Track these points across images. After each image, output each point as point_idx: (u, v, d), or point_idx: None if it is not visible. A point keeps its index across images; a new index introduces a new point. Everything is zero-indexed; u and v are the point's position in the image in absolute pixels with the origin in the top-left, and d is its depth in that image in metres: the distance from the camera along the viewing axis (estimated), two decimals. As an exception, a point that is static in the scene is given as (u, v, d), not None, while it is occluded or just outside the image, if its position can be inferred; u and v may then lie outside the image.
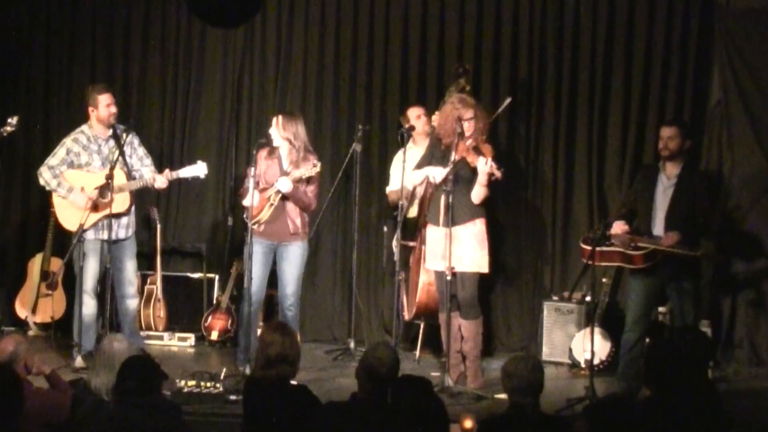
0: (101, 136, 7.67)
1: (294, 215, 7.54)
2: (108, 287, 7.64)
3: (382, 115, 8.89)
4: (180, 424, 5.06)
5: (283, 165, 7.55)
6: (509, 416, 4.82)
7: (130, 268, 7.76)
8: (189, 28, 9.21)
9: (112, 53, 9.29)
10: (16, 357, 5.60)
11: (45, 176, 7.65)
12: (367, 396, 4.98)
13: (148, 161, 7.75)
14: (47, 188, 7.71)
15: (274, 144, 7.56)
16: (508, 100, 7.67)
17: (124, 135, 7.64)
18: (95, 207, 7.48)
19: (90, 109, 7.69)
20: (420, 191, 7.76)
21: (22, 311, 8.85)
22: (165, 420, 4.90)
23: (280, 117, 7.60)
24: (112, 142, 7.62)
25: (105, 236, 7.52)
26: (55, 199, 7.72)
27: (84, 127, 7.71)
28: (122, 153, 7.56)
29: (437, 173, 7.15)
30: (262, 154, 7.56)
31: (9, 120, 7.64)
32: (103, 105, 7.61)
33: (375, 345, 5.36)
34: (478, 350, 7.32)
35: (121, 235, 7.65)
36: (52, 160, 7.66)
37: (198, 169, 7.57)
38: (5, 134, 7.66)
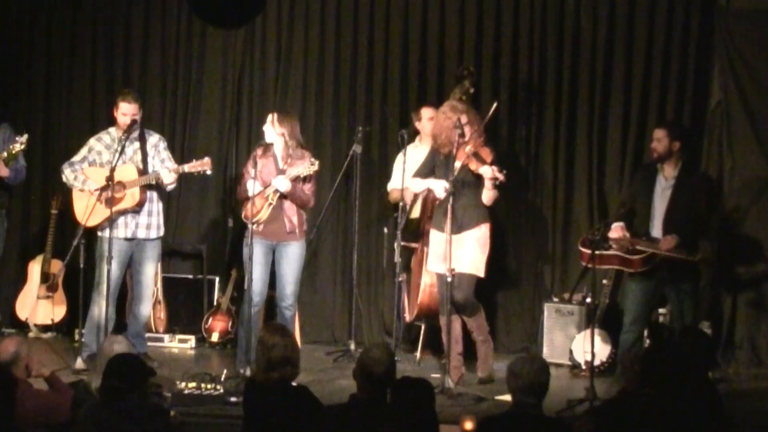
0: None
1: (291, 213, 7.53)
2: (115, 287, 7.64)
3: (382, 115, 8.88)
4: (169, 428, 5.06)
5: (278, 163, 7.55)
6: (511, 415, 4.82)
7: (149, 272, 7.77)
8: (189, 28, 9.21)
9: (112, 54, 9.29)
10: (17, 358, 5.60)
11: (65, 172, 7.71)
12: (365, 397, 4.98)
13: (171, 165, 7.70)
14: (68, 184, 7.75)
15: (267, 141, 7.55)
16: (494, 105, 7.58)
17: (151, 138, 7.70)
18: (107, 201, 7.45)
19: (114, 110, 7.72)
20: (423, 192, 7.76)
21: (22, 313, 8.85)
22: (153, 423, 4.89)
23: (275, 114, 7.60)
24: (137, 144, 7.64)
25: (123, 234, 7.55)
26: (75, 194, 7.72)
27: (111, 129, 7.75)
28: (144, 154, 7.61)
29: (438, 187, 7.16)
30: (258, 153, 7.55)
31: (18, 138, 7.65)
32: (120, 113, 7.64)
33: (370, 346, 5.40)
34: (485, 335, 7.38)
35: (141, 234, 7.65)
36: (74, 158, 7.74)
37: (203, 164, 7.55)
38: (14, 152, 7.66)
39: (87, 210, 7.43)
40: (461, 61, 8.53)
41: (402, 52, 8.85)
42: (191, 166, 7.57)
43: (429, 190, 7.42)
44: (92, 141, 7.76)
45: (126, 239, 7.61)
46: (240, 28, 9.07)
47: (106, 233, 7.49)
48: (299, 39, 9.03)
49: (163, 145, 7.78)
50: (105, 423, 4.83)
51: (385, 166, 8.68)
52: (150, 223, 7.69)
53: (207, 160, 7.56)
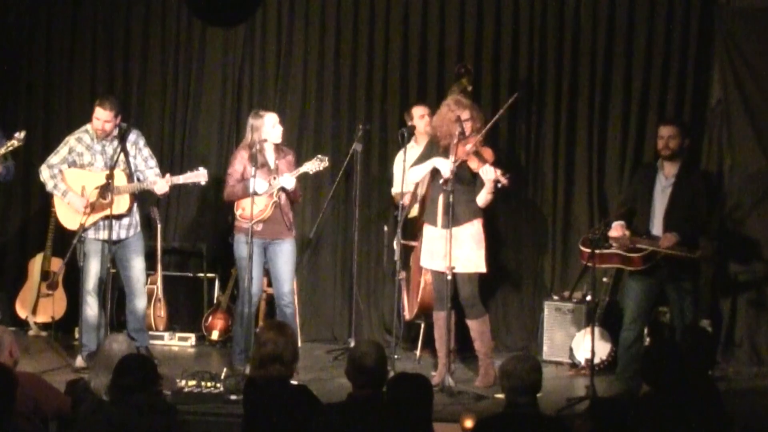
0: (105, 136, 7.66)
1: (287, 211, 7.56)
2: (109, 288, 7.64)
3: (382, 114, 8.89)
4: (176, 424, 5.07)
5: (270, 163, 7.56)
6: (505, 415, 4.81)
7: (137, 266, 7.75)
8: (189, 28, 9.22)
9: (112, 54, 9.30)
10: (0, 345, 5.59)
11: (43, 175, 7.65)
12: (362, 395, 4.96)
13: (153, 162, 7.72)
14: (46, 188, 7.72)
15: (278, 141, 7.56)
16: (515, 96, 7.54)
17: (130, 135, 7.62)
18: (94, 207, 7.47)
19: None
20: (422, 191, 7.76)
21: (22, 311, 8.86)
22: (161, 419, 4.90)
23: (276, 115, 7.63)
24: (116, 143, 7.61)
25: (105, 236, 7.52)
26: (56, 199, 7.73)
27: (88, 126, 7.69)
28: (126, 154, 7.57)
29: (444, 166, 7.09)
30: (243, 154, 7.53)
31: (16, 135, 7.60)
32: (94, 117, 7.62)
33: (357, 343, 5.40)
34: (488, 348, 7.31)
35: (123, 235, 7.65)
36: (53, 159, 7.66)
37: (198, 176, 7.57)
38: (12, 149, 7.62)
39: (84, 218, 7.42)
40: (461, 61, 8.53)
41: (402, 52, 8.85)
42: (186, 177, 7.58)
43: (429, 185, 7.39)
44: (72, 141, 7.67)
45: (106, 241, 7.58)
46: (236, 26, 9.07)
47: (89, 234, 7.51)
48: (299, 39, 9.04)
49: (142, 141, 7.72)
50: (114, 420, 4.84)
51: (385, 165, 8.68)
52: (131, 223, 7.69)
53: (203, 171, 7.57)
